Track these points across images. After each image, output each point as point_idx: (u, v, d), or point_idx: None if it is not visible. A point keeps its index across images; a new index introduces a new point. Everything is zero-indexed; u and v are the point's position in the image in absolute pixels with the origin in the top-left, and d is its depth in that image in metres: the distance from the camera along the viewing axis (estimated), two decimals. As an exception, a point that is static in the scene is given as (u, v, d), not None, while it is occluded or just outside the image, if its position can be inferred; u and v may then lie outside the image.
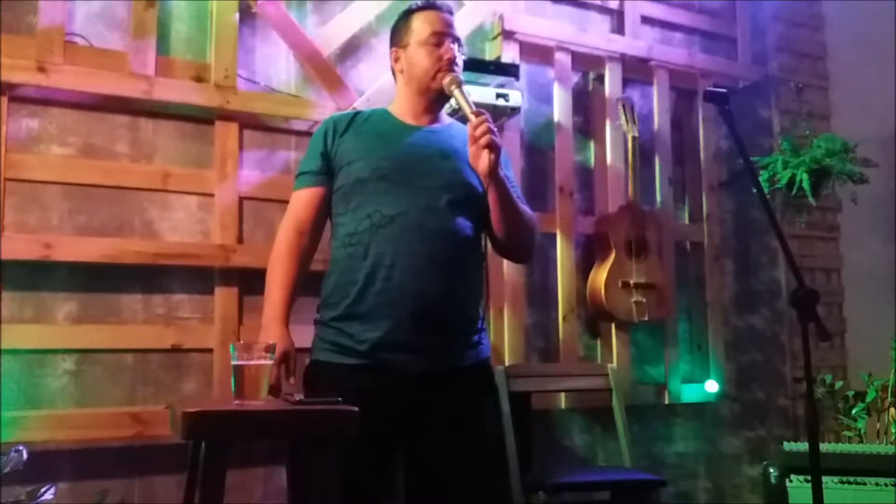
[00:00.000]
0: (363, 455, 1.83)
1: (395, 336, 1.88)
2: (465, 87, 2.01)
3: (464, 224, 1.97)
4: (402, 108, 2.10)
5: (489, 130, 1.83)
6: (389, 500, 1.98)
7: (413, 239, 1.90)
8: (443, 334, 1.93)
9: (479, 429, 2.01)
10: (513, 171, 2.18)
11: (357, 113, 2.14)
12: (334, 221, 2.05)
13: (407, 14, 2.14)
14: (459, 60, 2.07)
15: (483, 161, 1.83)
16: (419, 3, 2.14)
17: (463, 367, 1.97)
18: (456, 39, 2.07)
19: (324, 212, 2.07)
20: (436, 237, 1.92)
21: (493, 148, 1.82)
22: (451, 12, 2.13)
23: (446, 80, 1.99)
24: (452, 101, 2.04)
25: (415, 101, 2.09)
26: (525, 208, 2.05)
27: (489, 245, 2.18)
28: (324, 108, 3.00)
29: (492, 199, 1.94)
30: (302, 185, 2.06)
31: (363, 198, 1.95)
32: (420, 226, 1.91)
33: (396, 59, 2.12)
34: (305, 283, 2.10)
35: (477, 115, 1.87)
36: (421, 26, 2.07)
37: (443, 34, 2.04)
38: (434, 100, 2.06)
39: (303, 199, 2.05)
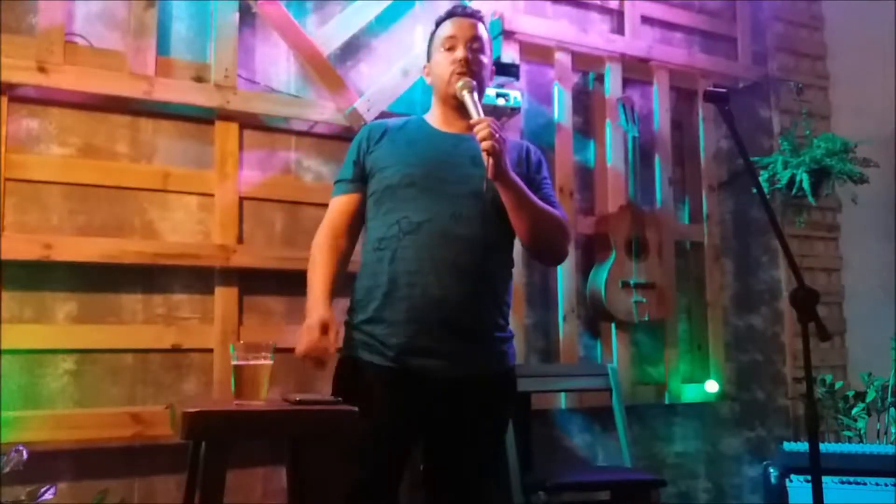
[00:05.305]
0: (380, 454, 1.89)
1: (419, 342, 1.91)
2: (476, 94, 1.99)
3: (492, 232, 1.98)
4: (435, 116, 2.12)
5: (489, 135, 1.82)
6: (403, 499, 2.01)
7: (438, 246, 1.92)
8: (466, 342, 1.95)
9: (497, 440, 2.08)
10: (546, 172, 2.18)
11: (394, 121, 2.17)
12: (367, 226, 2.07)
13: (435, 27, 2.16)
14: (483, 61, 2.06)
15: (486, 164, 1.84)
16: (443, 15, 2.15)
17: (486, 377, 1.99)
18: (475, 41, 2.05)
19: (358, 218, 2.09)
20: (461, 245, 1.93)
21: (490, 152, 1.82)
22: (472, 16, 2.11)
23: (459, 83, 2.00)
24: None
25: (442, 109, 2.10)
26: (550, 210, 2.04)
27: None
28: (324, 109, 3.00)
29: (504, 201, 1.94)
30: (337, 193, 2.10)
31: (393, 203, 1.97)
32: (445, 233, 1.92)
33: (428, 74, 2.15)
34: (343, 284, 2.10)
35: (478, 120, 1.87)
36: (438, 35, 2.10)
37: (455, 38, 2.05)
38: (457, 106, 2.04)
39: (337, 206, 2.08)
